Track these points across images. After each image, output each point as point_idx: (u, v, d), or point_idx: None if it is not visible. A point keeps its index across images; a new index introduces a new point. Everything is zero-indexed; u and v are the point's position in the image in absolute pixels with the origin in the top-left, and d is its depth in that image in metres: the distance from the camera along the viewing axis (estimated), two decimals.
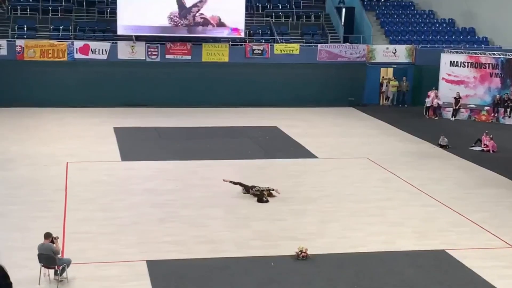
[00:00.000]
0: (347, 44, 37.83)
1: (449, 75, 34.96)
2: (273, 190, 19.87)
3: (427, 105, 34.26)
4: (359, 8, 40.80)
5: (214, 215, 18.08)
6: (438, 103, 34.18)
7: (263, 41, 37.43)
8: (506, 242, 16.65)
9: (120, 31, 34.78)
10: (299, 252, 15.16)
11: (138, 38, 35.22)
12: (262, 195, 19.47)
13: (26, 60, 33.59)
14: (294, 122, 31.86)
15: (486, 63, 34.46)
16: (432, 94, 34.49)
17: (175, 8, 35.07)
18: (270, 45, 36.46)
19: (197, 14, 35.27)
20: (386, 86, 37.95)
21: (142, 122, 30.81)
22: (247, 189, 19.94)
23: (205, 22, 35.42)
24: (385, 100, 38.03)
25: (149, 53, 35.02)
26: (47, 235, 13.78)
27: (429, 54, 36.91)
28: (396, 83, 37.46)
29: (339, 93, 36.71)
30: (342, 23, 39.70)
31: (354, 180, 22.13)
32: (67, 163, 23.00)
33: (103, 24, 36.93)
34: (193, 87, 35.58)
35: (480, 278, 14.36)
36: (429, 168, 24.00)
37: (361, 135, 29.53)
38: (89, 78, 34.48)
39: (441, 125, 31.20)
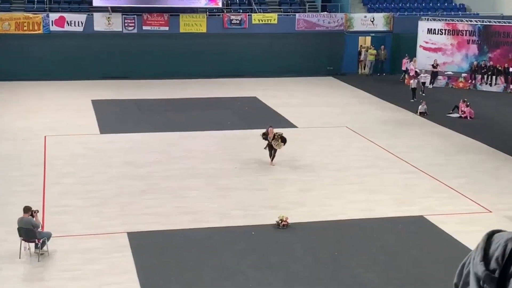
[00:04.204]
0: (325, 13, 37.68)
1: (426, 42, 35.01)
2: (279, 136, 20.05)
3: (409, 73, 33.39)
4: None
5: (195, 186, 18.12)
6: (415, 71, 34.16)
7: (241, 11, 37.18)
8: (483, 207, 16.89)
9: (95, 3, 34.29)
10: (280, 221, 15.27)
11: (114, 10, 34.80)
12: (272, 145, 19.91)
13: (1, 33, 33.08)
14: (273, 92, 31.81)
15: (463, 30, 34.54)
16: (405, 61, 34.18)
17: None
18: (248, 15, 36.23)
19: None
20: (364, 54, 37.95)
21: (120, 95, 30.59)
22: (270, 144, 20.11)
23: None
24: (363, 69, 38.04)
25: (126, 24, 34.62)
26: (27, 209, 13.75)
27: (407, 22, 36.89)
28: (375, 51, 37.42)
29: (318, 63, 36.63)
30: None
31: (334, 149, 22.24)
32: (45, 136, 22.83)
33: None
34: (171, 58, 35.29)
35: (458, 243, 14.57)
36: (408, 136, 24.17)
37: (340, 104, 29.58)
38: (65, 51, 34.06)
39: (419, 92, 31.28)
